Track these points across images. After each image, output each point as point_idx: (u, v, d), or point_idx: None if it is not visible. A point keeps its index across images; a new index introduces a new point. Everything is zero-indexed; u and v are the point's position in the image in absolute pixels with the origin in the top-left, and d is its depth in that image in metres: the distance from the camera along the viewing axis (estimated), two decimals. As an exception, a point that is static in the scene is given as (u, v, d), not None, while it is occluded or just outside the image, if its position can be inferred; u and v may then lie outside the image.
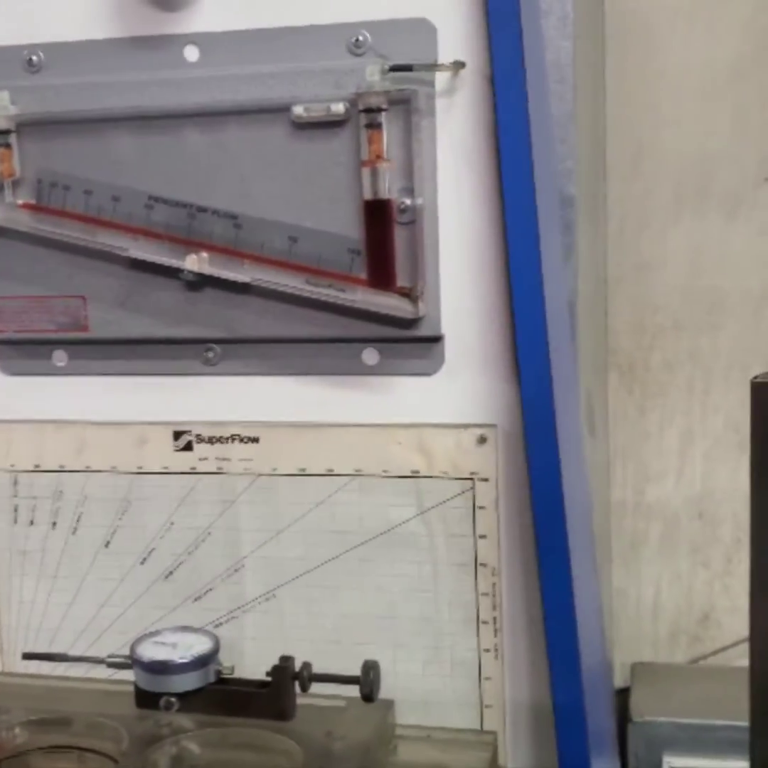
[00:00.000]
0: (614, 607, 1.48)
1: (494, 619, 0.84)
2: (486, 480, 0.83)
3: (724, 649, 1.47)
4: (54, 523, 0.92)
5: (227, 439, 0.88)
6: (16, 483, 0.92)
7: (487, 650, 0.85)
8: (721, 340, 1.40)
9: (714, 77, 1.33)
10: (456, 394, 0.83)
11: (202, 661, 0.77)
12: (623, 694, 1.43)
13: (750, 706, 0.76)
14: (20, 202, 0.84)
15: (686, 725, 1.39)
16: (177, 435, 0.89)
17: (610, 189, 1.40)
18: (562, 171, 0.94)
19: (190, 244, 0.82)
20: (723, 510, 1.43)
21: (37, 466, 0.91)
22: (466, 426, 0.83)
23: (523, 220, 0.77)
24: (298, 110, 0.78)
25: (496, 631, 0.84)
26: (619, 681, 1.48)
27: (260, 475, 0.87)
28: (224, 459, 0.88)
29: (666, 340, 1.44)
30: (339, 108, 0.77)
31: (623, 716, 1.41)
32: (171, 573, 0.90)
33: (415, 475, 0.85)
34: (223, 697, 0.77)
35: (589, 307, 1.16)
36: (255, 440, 0.87)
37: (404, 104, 0.77)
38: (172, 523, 0.90)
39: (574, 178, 0.95)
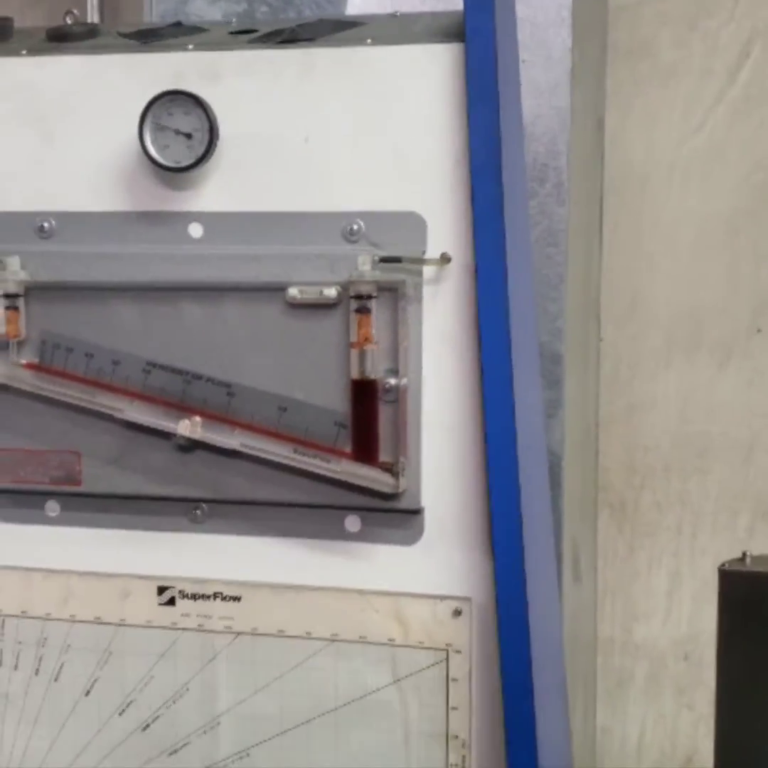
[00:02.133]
0: (599, 745, 1.48)
1: (463, 791, 0.85)
2: (459, 652, 0.85)
3: (707, 794, 1.46)
4: (37, 669, 0.94)
5: (210, 596, 0.90)
6: (2, 627, 0.94)
7: (456, 822, 0.85)
8: (709, 484, 1.42)
9: (708, 230, 1.38)
10: (433, 566, 0.86)
11: (170, 826, 0.78)
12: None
13: None
14: (24, 361, 0.88)
15: None
16: (161, 590, 0.91)
17: (604, 332, 1.44)
18: (552, 330, 0.98)
19: (184, 408, 0.85)
20: (709, 653, 1.43)
21: (23, 612, 0.94)
22: (442, 597, 0.85)
23: (501, 402, 0.81)
24: (293, 292, 0.82)
25: (464, 803, 0.85)
26: (600, 819, 1.47)
27: (240, 633, 0.89)
28: (206, 616, 0.90)
29: (656, 481, 1.47)
30: (331, 292, 0.81)
31: None
32: (148, 726, 0.91)
33: (390, 644, 0.86)
34: None
35: (577, 453, 1.19)
36: (236, 599, 0.89)
37: (393, 291, 0.81)
38: (151, 676, 0.91)
39: (562, 337, 0.99)
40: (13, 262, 0.87)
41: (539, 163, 1.04)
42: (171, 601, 0.90)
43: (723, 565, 0.84)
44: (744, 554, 0.86)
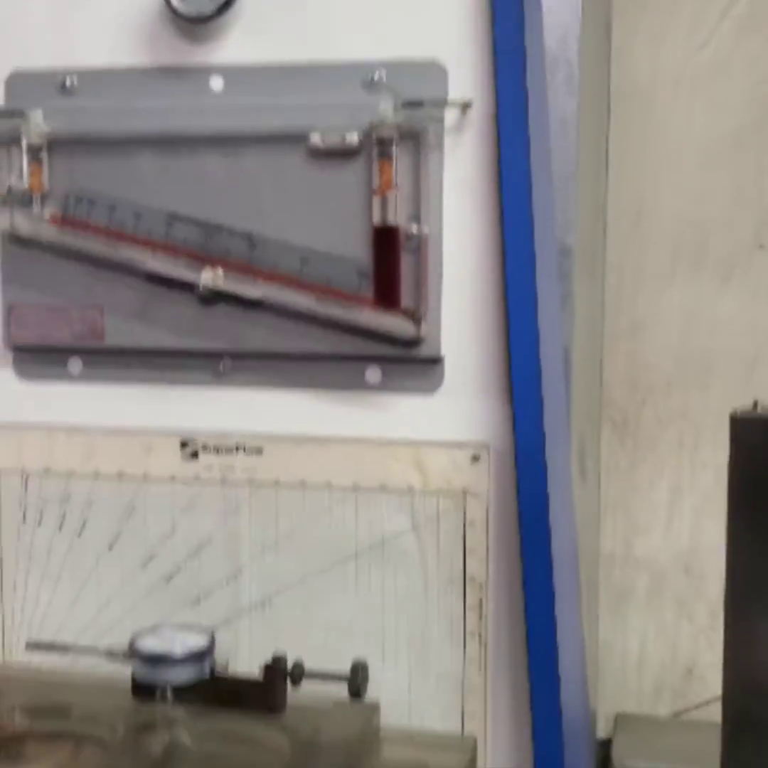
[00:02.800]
0: (600, 658, 1.51)
1: (480, 632, 0.88)
2: (477, 497, 0.87)
3: (706, 703, 1.49)
4: (60, 526, 0.95)
5: (232, 449, 0.92)
6: (26, 485, 0.96)
7: (472, 661, 0.88)
8: (711, 399, 1.44)
9: (713, 145, 1.39)
10: (452, 414, 0.87)
11: (198, 656, 0.80)
12: (606, 745, 1.45)
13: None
14: (47, 215, 0.89)
15: (666, 773, 1.42)
16: (184, 444, 0.92)
17: (609, 248, 1.45)
18: (561, 222, 0.99)
19: (206, 260, 0.87)
20: (709, 565, 1.46)
21: (47, 469, 0.95)
22: (460, 445, 0.87)
23: (522, 250, 0.83)
24: (315, 139, 0.83)
25: (481, 644, 0.88)
26: (602, 732, 1.50)
27: (262, 485, 0.91)
28: (228, 469, 0.92)
29: (658, 396, 1.49)
30: (353, 138, 0.82)
31: (605, 763, 1.43)
32: (171, 578, 0.93)
33: (410, 491, 0.88)
34: (217, 690, 0.80)
35: (584, 355, 1.21)
36: (259, 451, 0.91)
37: (414, 138, 0.82)
38: (174, 530, 0.93)
39: (573, 230, 1.00)
40: (36, 115, 0.87)
41: (550, 55, 1.04)
42: (194, 455, 0.92)
43: (735, 411, 0.86)
44: (755, 402, 0.87)
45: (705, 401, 1.45)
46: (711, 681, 1.45)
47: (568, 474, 0.93)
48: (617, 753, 1.42)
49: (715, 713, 0.87)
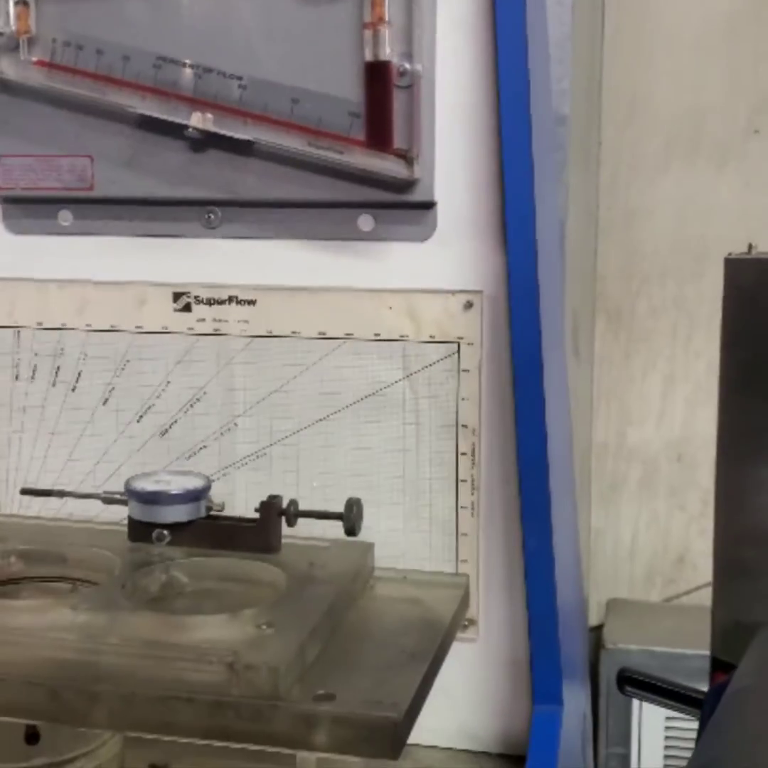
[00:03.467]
0: (592, 546, 1.53)
1: (472, 478, 0.88)
2: (471, 344, 0.87)
3: (697, 589, 1.52)
4: (54, 380, 0.95)
5: (225, 301, 0.91)
6: (18, 340, 0.96)
7: (465, 507, 0.89)
8: (705, 288, 1.44)
9: (708, 31, 1.37)
10: (445, 261, 0.87)
11: (193, 495, 0.81)
12: (598, 631, 1.48)
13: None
14: (34, 59, 0.88)
15: (657, 653, 1.44)
16: (176, 296, 0.92)
17: (604, 136, 1.44)
18: (557, 91, 0.97)
19: (196, 103, 0.85)
20: (702, 454, 1.48)
21: (39, 323, 0.95)
22: (453, 292, 0.87)
23: (516, 93, 0.81)
24: (305, -27, 0.81)
25: (473, 489, 0.88)
26: (594, 619, 1.53)
27: (256, 336, 0.91)
28: (221, 321, 0.92)
29: (652, 287, 1.49)
30: (344, -29, 0.80)
31: (597, 647, 1.45)
32: (167, 430, 0.94)
33: (403, 339, 0.88)
34: (213, 530, 0.81)
35: (578, 233, 1.20)
36: (252, 303, 0.91)
37: (407, -29, 0.80)
38: (168, 382, 0.93)
39: (568, 98, 0.98)
40: (20, -46, 0.85)
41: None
42: (187, 307, 0.92)
43: (729, 254, 0.86)
44: (750, 246, 0.87)
45: (699, 290, 1.46)
46: (702, 568, 1.47)
47: (560, 334, 0.93)
48: (608, 637, 1.45)
49: (705, 599, 0.88)
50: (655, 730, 1.45)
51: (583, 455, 1.39)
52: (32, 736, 0.73)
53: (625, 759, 1.46)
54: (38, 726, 0.72)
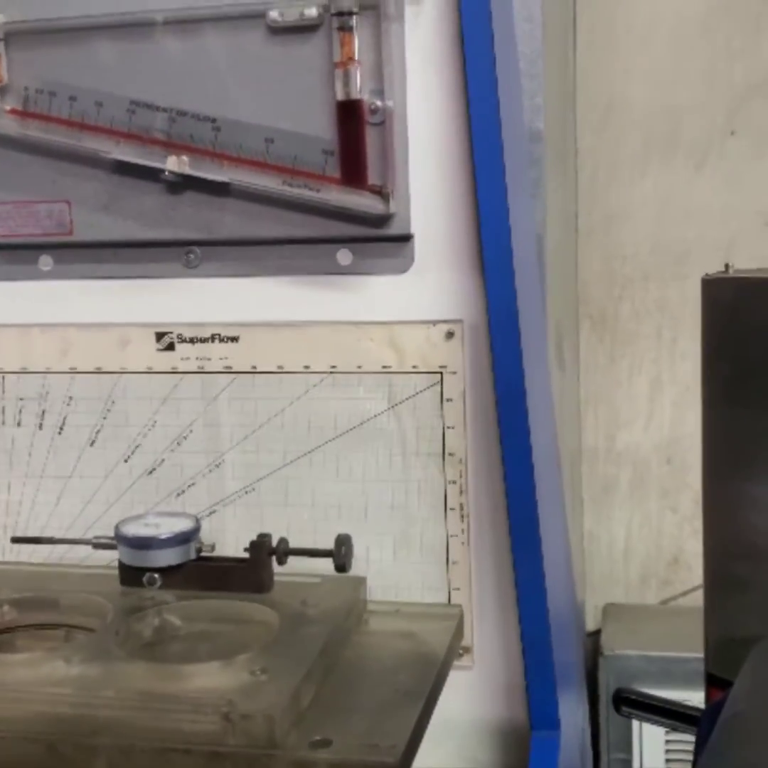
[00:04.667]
0: (586, 550, 1.54)
1: (461, 505, 0.89)
2: (454, 373, 0.88)
3: (693, 590, 1.52)
4: (40, 424, 0.96)
5: (208, 339, 0.92)
6: (3, 385, 0.96)
7: (455, 535, 0.89)
8: (688, 289, 1.44)
9: (683, 31, 1.37)
10: (424, 292, 0.88)
11: (183, 538, 0.81)
12: (595, 636, 1.48)
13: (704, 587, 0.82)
14: (8, 108, 0.88)
15: (655, 658, 1.45)
16: (159, 336, 0.93)
17: (580, 141, 1.44)
18: (530, 106, 0.98)
19: (171, 146, 0.86)
20: (691, 455, 1.48)
21: (23, 368, 0.95)
22: (434, 322, 0.88)
23: (488, 124, 0.82)
24: (274, 15, 0.82)
25: (463, 517, 0.89)
26: (591, 624, 1.53)
27: (240, 372, 0.92)
28: (205, 358, 0.92)
29: (635, 290, 1.49)
30: (312, 12, 0.81)
31: (595, 653, 1.46)
32: (154, 469, 0.94)
33: (386, 370, 0.89)
34: (204, 572, 0.81)
35: (558, 245, 1.21)
36: (234, 339, 0.91)
37: (374, 10, 0.81)
38: (154, 422, 0.94)
39: (542, 114, 0.99)
40: (-11, 5, 0.86)
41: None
42: (170, 346, 0.92)
43: (706, 275, 0.87)
44: (727, 266, 0.88)
45: (682, 292, 1.46)
46: (696, 568, 1.48)
47: (543, 355, 0.94)
48: (606, 643, 1.46)
49: (701, 600, 0.89)
50: (656, 736, 1.46)
51: (573, 460, 1.40)
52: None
53: (627, 764, 1.47)
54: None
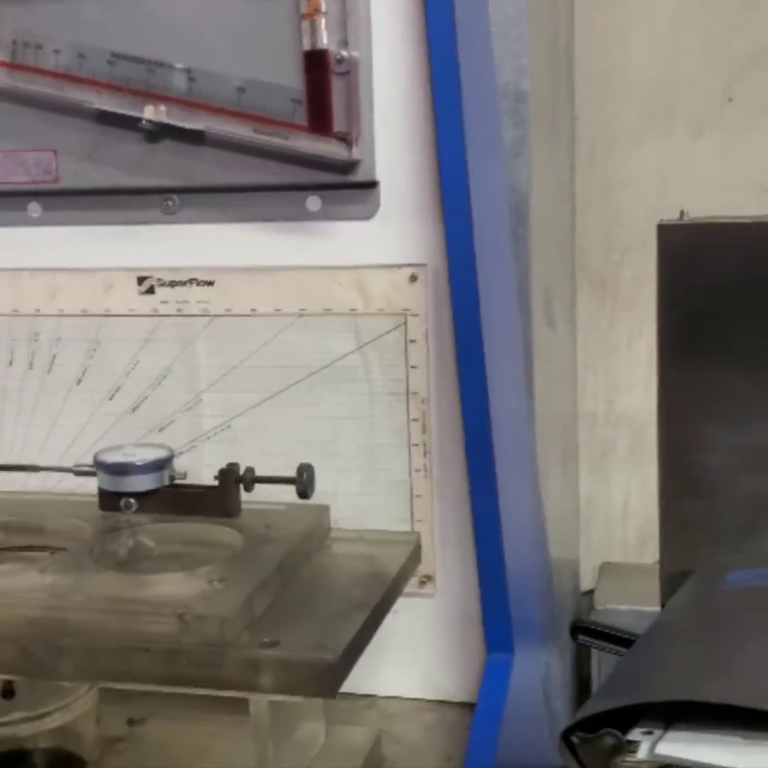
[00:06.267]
0: (584, 513, 1.57)
1: (424, 442, 0.93)
2: (417, 316, 0.92)
3: (689, 551, 1.56)
4: (31, 363, 1.01)
5: (185, 283, 0.96)
6: (-5, 327, 1.01)
7: (418, 470, 0.94)
8: (687, 257, 1.47)
9: (681, 3, 1.40)
10: (390, 237, 0.92)
11: (157, 465, 0.86)
12: (591, 594, 1.52)
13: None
14: (-4, 60, 0.93)
15: (645, 613, 1.48)
16: (140, 280, 0.97)
17: (579, 111, 1.47)
18: (516, 68, 1.01)
19: (149, 96, 0.90)
20: (688, 421, 1.51)
21: (14, 310, 1.00)
22: (399, 266, 0.92)
23: (447, 73, 0.86)
24: (244, -31, 0.86)
25: (425, 453, 0.93)
26: (589, 584, 1.57)
27: (216, 315, 0.96)
28: (183, 302, 0.97)
29: (634, 256, 1.52)
30: (281, -34, 0.85)
31: (589, 610, 1.50)
32: (137, 407, 0.99)
33: (353, 313, 0.93)
34: (177, 497, 0.86)
35: (548, 207, 1.24)
36: (210, 284, 0.96)
37: (340, -37, 0.85)
38: (137, 362, 0.99)
39: (527, 75, 1.02)
40: (-22, -39, 0.90)
41: None
42: (150, 290, 0.97)
43: (661, 220, 0.90)
44: (681, 212, 0.91)
45: (680, 259, 1.49)
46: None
47: (512, 306, 0.97)
48: (599, 598, 1.50)
49: None
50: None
51: (566, 423, 1.43)
52: (7, 692, 0.78)
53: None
54: (13, 682, 0.78)
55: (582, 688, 1.37)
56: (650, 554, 1.62)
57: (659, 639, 0.68)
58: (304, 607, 0.76)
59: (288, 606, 0.75)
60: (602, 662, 1.51)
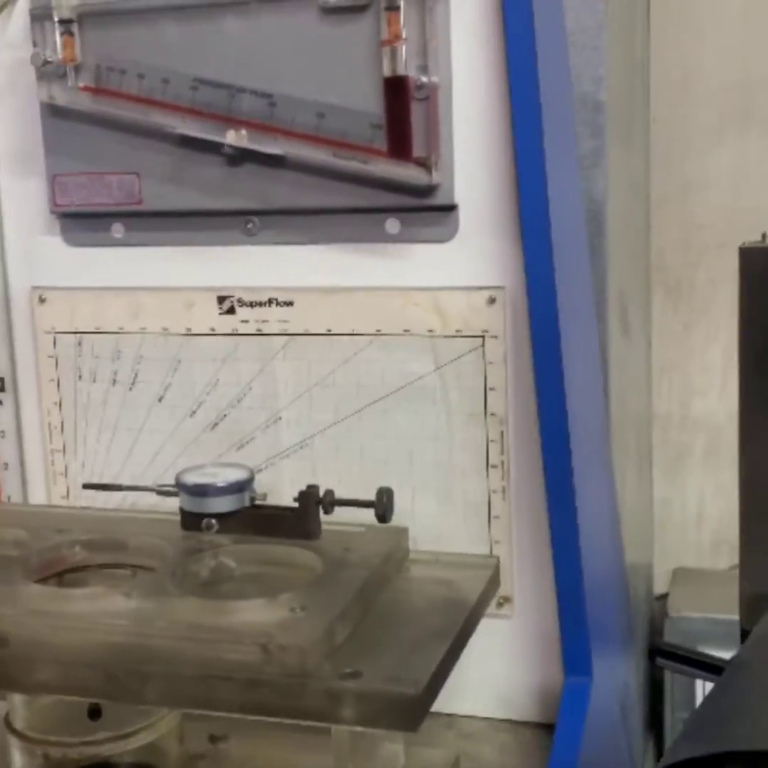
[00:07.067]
0: (658, 516, 1.56)
1: (502, 463, 0.93)
2: (495, 337, 0.92)
3: (764, 556, 1.54)
4: (113, 381, 1.03)
5: (265, 303, 0.98)
6: (80, 344, 1.03)
7: (496, 492, 0.94)
8: (764, 258, 1.44)
9: (755, 1, 1.37)
10: (468, 259, 0.92)
11: (238, 487, 0.88)
12: (664, 599, 1.51)
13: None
14: (82, 85, 0.94)
15: (720, 621, 1.47)
16: (221, 299, 0.99)
17: (656, 112, 1.45)
18: (593, 78, 1.00)
19: (230, 121, 0.91)
20: (765, 422, 1.49)
21: (98, 328, 1.02)
22: (477, 288, 0.92)
23: (527, 99, 0.86)
24: (325, -6, 0.87)
25: (503, 474, 0.94)
26: (662, 588, 1.56)
27: (294, 335, 0.97)
28: (263, 321, 0.98)
29: (711, 258, 1.50)
30: (361, -8, 0.85)
31: (662, 616, 1.49)
32: (217, 424, 1.01)
33: (431, 334, 0.94)
34: (257, 518, 0.87)
35: (622, 213, 1.23)
36: (290, 304, 0.97)
37: (420, -12, 0.85)
38: (217, 380, 1.00)
39: (604, 85, 1.02)
40: (65, -11, 0.92)
41: None
42: (231, 310, 0.99)
43: (743, 244, 0.89)
44: (764, 235, 0.90)
45: (758, 260, 1.46)
46: (768, 528, 1.49)
47: (591, 320, 0.97)
48: (673, 605, 1.49)
49: None
50: (719, 696, 1.48)
51: (640, 427, 1.42)
52: (94, 712, 0.81)
53: (691, 724, 1.50)
54: (100, 703, 0.80)
55: (655, 689, 1.37)
56: (725, 558, 1.60)
57: (744, 678, 0.68)
58: (384, 635, 0.76)
59: (368, 634, 0.76)
60: (675, 679, 1.50)
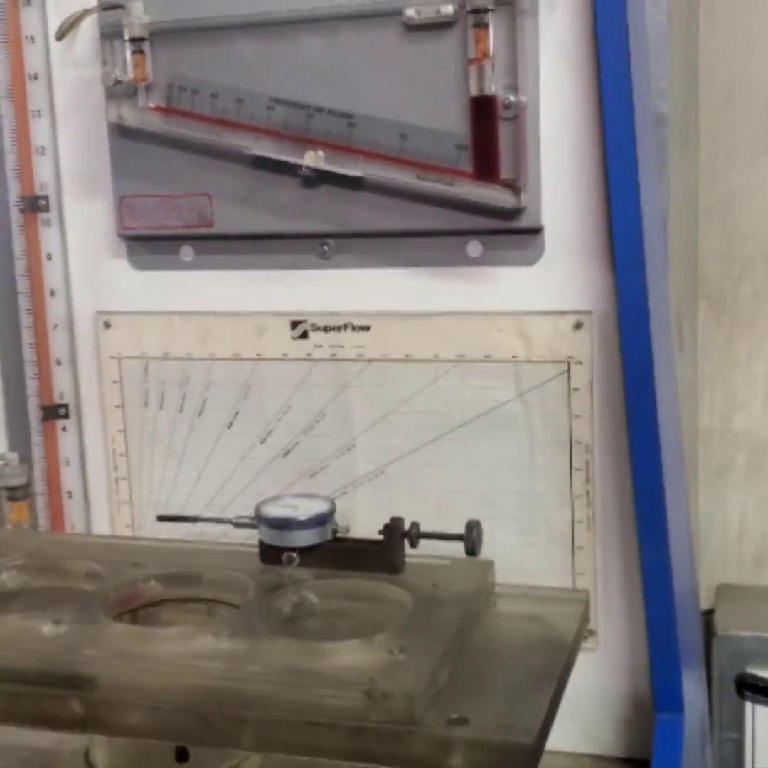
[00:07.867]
0: (701, 531, 1.53)
1: (587, 492, 0.91)
2: (581, 363, 0.89)
3: (808, 572, 1.51)
4: (181, 407, 1.00)
5: (341, 327, 0.95)
6: (146, 370, 1.01)
7: (580, 522, 0.91)
8: (809, 270, 1.42)
9: None
10: (554, 283, 0.89)
11: (320, 520, 0.85)
12: (708, 616, 1.48)
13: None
14: (152, 105, 0.92)
15: (769, 639, 1.44)
16: (294, 324, 0.96)
17: (702, 120, 1.43)
18: (656, 90, 0.98)
19: (308, 142, 0.89)
20: (808, 440, 1.47)
21: (165, 354, 1.00)
22: (563, 313, 0.89)
23: (621, 118, 0.83)
24: (410, 13, 0.84)
25: (588, 503, 0.91)
26: (705, 603, 1.53)
27: (371, 360, 0.95)
28: (338, 346, 0.95)
29: (755, 270, 1.48)
30: (448, 9, 0.83)
31: (708, 634, 1.46)
32: (288, 452, 0.98)
33: (514, 360, 0.91)
34: (340, 552, 0.85)
35: (679, 227, 1.20)
36: (366, 329, 0.94)
37: (509, 6, 0.82)
38: (289, 406, 0.97)
39: (668, 98, 0.99)
40: (137, 7, 0.90)
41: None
42: (304, 335, 0.96)
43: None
44: None
45: (804, 273, 1.44)
46: (812, 552, 1.47)
47: (669, 341, 0.94)
48: (720, 623, 1.46)
49: None
50: (769, 715, 1.45)
51: (689, 441, 1.40)
52: (182, 754, 0.78)
53: (739, 744, 1.47)
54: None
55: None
56: (767, 575, 1.58)
57: None
58: (485, 677, 0.74)
59: (468, 676, 0.73)
60: (723, 689, 1.47)
